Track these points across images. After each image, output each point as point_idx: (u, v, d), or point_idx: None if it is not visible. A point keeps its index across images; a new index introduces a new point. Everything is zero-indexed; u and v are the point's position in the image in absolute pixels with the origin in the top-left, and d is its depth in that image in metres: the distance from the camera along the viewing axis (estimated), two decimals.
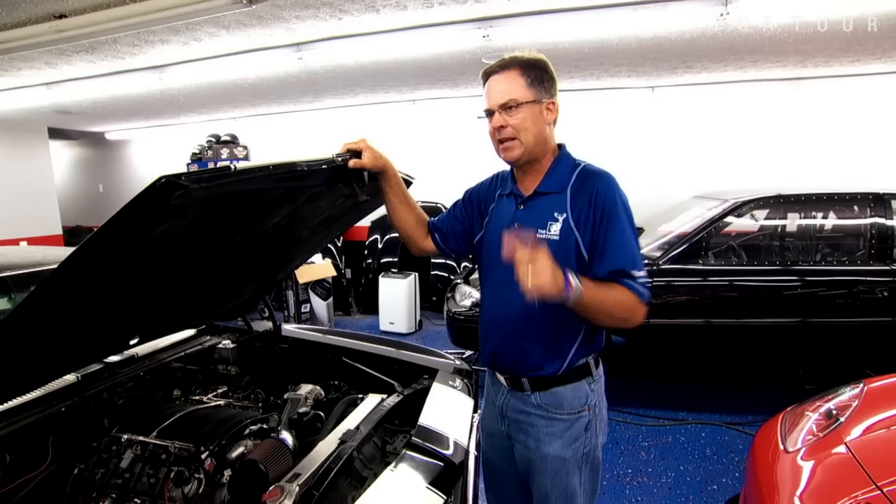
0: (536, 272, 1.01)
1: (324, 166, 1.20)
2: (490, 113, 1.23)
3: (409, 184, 1.60)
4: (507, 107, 1.19)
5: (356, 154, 1.30)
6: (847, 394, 1.75)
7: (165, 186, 0.80)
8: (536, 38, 3.06)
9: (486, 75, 1.24)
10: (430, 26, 2.74)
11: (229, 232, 1.28)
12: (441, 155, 5.72)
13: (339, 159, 1.25)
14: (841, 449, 1.46)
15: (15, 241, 5.83)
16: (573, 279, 1.07)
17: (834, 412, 1.66)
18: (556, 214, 1.21)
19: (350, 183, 1.33)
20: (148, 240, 0.97)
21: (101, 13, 2.20)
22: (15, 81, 3.73)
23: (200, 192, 0.84)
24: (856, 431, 1.52)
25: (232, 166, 0.90)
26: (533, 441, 1.30)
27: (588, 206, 1.18)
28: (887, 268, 2.95)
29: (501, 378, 1.36)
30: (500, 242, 1.29)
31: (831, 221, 3.46)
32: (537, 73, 1.20)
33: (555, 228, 1.21)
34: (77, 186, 8.18)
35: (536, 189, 1.26)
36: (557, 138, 1.32)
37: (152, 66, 3.39)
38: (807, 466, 1.48)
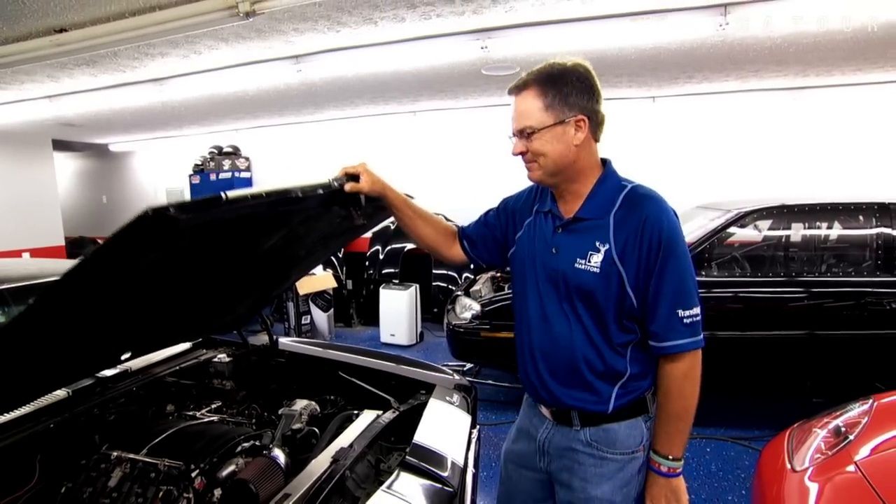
0: None
1: (319, 191, 1.16)
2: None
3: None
4: (523, 134, 1.12)
5: (354, 177, 1.26)
6: (856, 410, 1.70)
7: (154, 219, 0.77)
8: (535, 50, 3.06)
9: (509, 93, 1.16)
10: (429, 38, 2.74)
11: (223, 254, 1.26)
12: (442, 166, 5.73)
13: (336, 184, 1.21)
14: (850, 469, 1.41)
15: (17, 253, 5.85)
16: (675, 464, 1.13)
17: (843, 429, 1.61)
18: (597, 244, 1.11)
19: (347, 206, 1.30)
20: (137, 266, 0.96)
21: (100, 27, 2.21)
22: (18, 94, 3.77)
23: (190, 221, 0.82)
24: (866, 450, 1.47)
25: (223, 195, 0.87)
26: (578, 481, 1.18)
27: (636, 237, 1.07)
28: (895, 279, 2.90)
29: (546, 411, 1.25)
30: (532, 262, 1.23)
31: (836, 232, 3.42)
32: (559, 88, 1.08)
33: (595, 259, 1.10)
34: (81, 197, 8.24)
35: (577, 214, 1.16)
36: None
37: (153, 79, 3.42)
38: (815, 487, 1.43)
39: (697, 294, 1.10)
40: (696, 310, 1.09)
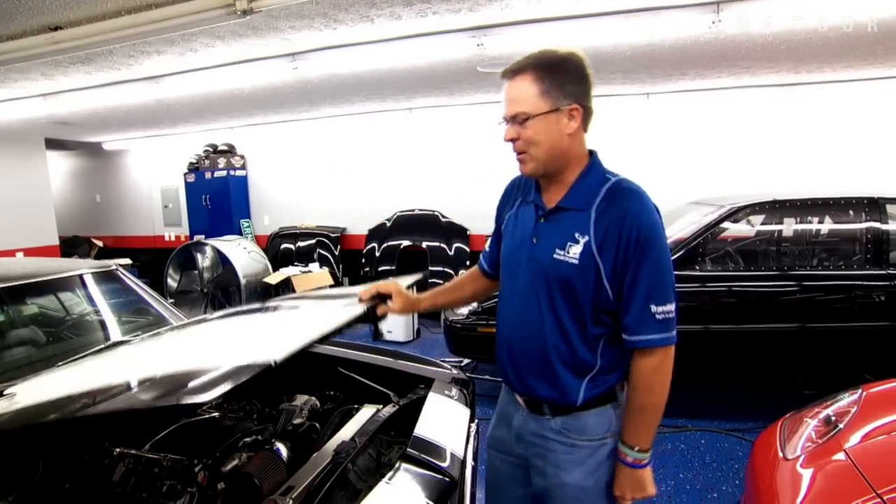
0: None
1: (355, 314, 1.36)
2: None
3: (425, 283, 1.67)
4: (517, 119, 1.10)
5: (385, 296, 1.37)
6: (846, 399, 1.74)
7: None
8: (530, 47, 3.06)
9: (503, 77, 1.14)
10: (425, 35, 2.75)
11: None
12: (438, 163, 5.74)
13: (368, 310, 1.38)
14: (840, 456, 1.45)
15: (11, 253, 5.82)
16: (641, 455, 1.14)
17: (833, 418, 1.65)
18: (576, 235, 1.11)
19: (374, 321, 1.42)
20: None
21: (96, 25, 2.21)
22: (11, 93, 3.75)
23: None
24: (855, 438, 1.51)
25: (273, 364, 0.98)
26: (551, 468, 1.20)
27: (615, 230, 1.07)
28: (884, 272, 2.95)
29: (520, 399, 1.27)
30: (513, 252, 1.24)
31: (827, 226, 3.46)
32: (556, 76, 1.07)
33: (574, 251, 1.10)
34: (74, 196, 8.17)
35: (559, 203, 1.16)
36: None
37: (148, 77, 3.40)
38: (806, 474, 1.47)
39: (674, 292, 1.10)
40: (671, 306, 1.09)
